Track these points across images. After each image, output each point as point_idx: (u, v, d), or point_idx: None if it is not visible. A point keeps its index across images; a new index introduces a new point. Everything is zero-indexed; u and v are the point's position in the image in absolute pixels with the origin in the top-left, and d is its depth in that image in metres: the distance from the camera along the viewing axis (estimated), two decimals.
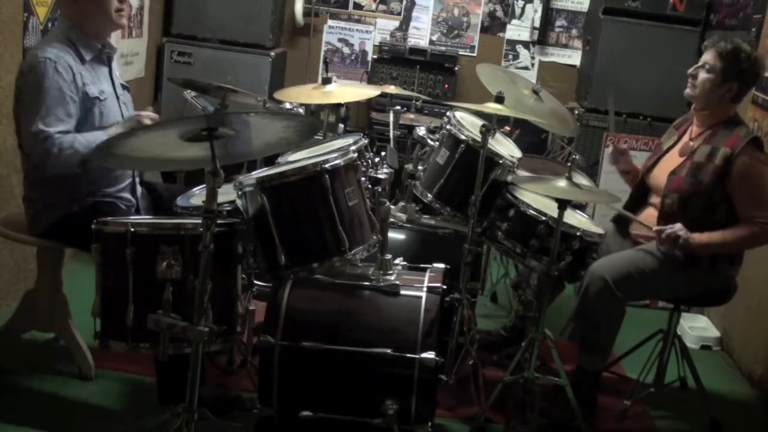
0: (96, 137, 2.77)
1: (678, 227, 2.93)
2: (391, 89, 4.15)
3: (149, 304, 2.31)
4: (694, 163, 3.03)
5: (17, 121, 2.89)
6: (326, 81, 3.35)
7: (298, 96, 3.51)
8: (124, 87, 3.11)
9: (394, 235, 3.15)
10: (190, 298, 2.31)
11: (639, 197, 3.27)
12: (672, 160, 3.16)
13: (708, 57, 3.04)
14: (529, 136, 4.65)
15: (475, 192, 2.99)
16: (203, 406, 2.30)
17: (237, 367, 3.09)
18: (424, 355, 2.51)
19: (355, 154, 2.70)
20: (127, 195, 3.04)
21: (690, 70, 3.10)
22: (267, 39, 5.07)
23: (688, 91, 3.11)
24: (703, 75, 3.05)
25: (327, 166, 2.55)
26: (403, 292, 2.62)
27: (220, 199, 2.30)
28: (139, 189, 3.12)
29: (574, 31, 5.64)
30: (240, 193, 2.60)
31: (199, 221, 2.28)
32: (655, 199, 3.15)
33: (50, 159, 2.72)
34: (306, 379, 2.57)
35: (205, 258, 2.21)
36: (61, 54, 2.79)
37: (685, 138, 3.20)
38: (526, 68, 5.69)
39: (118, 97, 3.02)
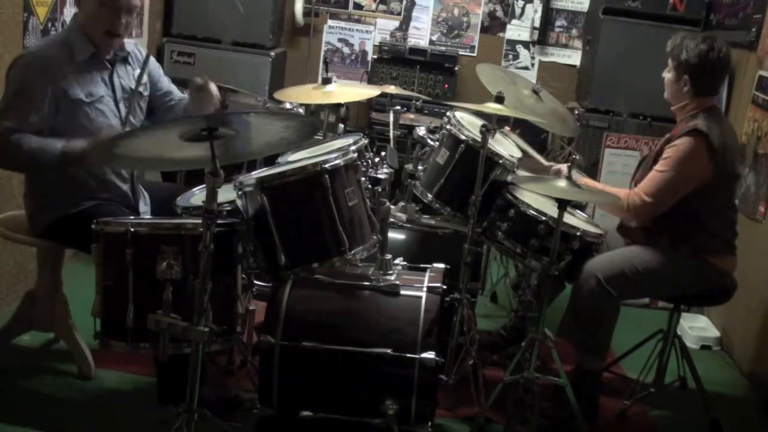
0: (50, 145, 2.73)
1: (563, 166, 3.01)
2: (391, 89, 4.15)
3: (149, 304, 2.31)
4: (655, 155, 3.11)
5: None
6: (326, 81, 3.35)
7: (298, 96, 3.50)
8: (134, 92, 3.03)
9: (394, 235, 3.15)
10: (190, 298, 2.31)
11: None
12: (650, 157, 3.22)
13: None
14: (529, 136, 4.65)
15: (475, 192, 2.99)
16: (203, 406, 2.30)
17: (237, 367, 3.09)
18: (424, 355, 2.51)
19: (355, 154, 2.70)
20: (126, 200, 3.03)
21: (663, 73, 3.18)
22: (267, 39, 5.07)
23: (665, 93, 3.19)
24: (665, 74, 3.15)
25: (327, 166, 2.55)
26: (403, 292, 2.62)
27: (220, 199, 2.30)
28: (142, 192, 3.12)
29: (574, 31, 5.63)
30: (240, 193, 2.60)
31: (199, 221, 2.28)
32: None
33: None
34: (306, 379, 2.57)
35: (205, 258, 2.21)
36: (44, 53, 2.79)
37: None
38: (526, 68, 5.68)
39: (117, 102, 2.97)
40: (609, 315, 3.00)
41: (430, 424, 2.63)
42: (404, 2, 5.67)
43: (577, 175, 2.93)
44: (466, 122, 3.25)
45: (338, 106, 3.77)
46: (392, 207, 3.02)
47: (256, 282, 2.91)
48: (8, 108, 2.73)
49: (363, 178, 2.79)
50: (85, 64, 2.87)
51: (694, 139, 2.96)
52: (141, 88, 3.07)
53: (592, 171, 4.50)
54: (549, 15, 5.62)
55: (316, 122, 3.31)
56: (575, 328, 3.03)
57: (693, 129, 2.97)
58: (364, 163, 2.93)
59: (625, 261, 3.00)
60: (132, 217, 2.79)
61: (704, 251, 3.02)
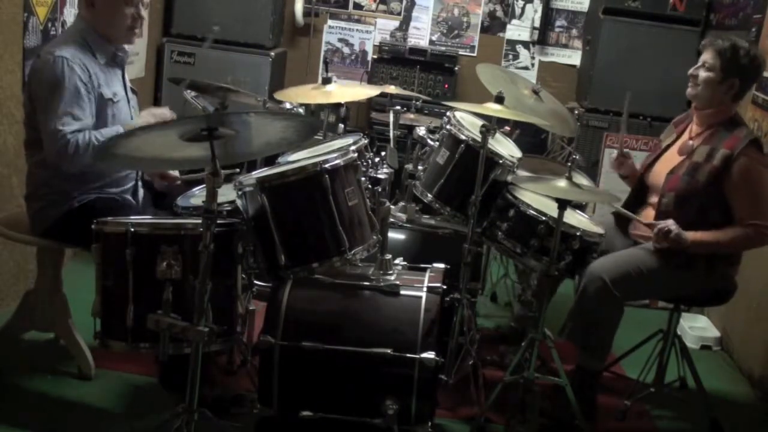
0: (114, 131, 2.81)
1: (670, 222, 2.93)
2: (391, 89, 4.15)
3: (149, 304, 2.32)
4: (692, 162, 3.04)
5: (29, 117, 2.89)
6: (326, 81, 3.35)
7: (297, 96, 3.50)
8: (133, 91, 3.13)
9: (394, 235, 3.15)
10: (190, 298, 2.31)
11: (638, 196, 3.26)
12: (671, 159, 3.16)
13: (707, 56, 3.05)
14: (529, 136, 4.65)
15: (475, 192, 2.99)
16: (204, 406, 2.30)
17: (237, 367, 3.09)
18: (424, 355, 2.51)
19: (355, 154, 2.70)
20: (128, 197, 3.04)
21: (690, 71, 3.11)
22: (267, 39, 5.07)
23: (690, 90, 3.11)
24: (703, 74, 3.05)
25: (327, 166, 2.55)
26: (403, 292, 2.62)
27: (220, 199, 2.30)
28: (141, 192, 3.12)
29: (574, 31, 5.63)
30: (240, 193, 2.60)
31: (199, 221, 2.28)
32: (654, 198, 3.15)
33: (66, 158, 2.73)
34: (306, 379, 2.57)
35: (205, 258, 2.21)
36: (77, 53, 2.82)
37: (685, 136, 3.20)
38: (526, 68, 5.68)
39: (128, 101, 3.05)
40: (613, 316, 2.99)
41: (430, 424, 2.62)
42: (404, 2, 5.67)
43: (580, 179, 2.91)
44: (466, 122, 3.25)
45: (338, 106, 3.77)
46: (392, 207, 3.02)
47: (256, 282, 2.91)
48: (63, 113, 2.74)
49: (363, 178, 2.80)
50: (105, 66, 2.93)
51: (758, 149, 2.98)
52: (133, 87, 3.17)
53: (592, 171, 4.50)
54: (549, 15, 5.62)
55: (316, 122, 3.32)
56: (579, 329, 3.03)
57: (752, 139, 2.98)
58: (364, 163, 2.93)
59: (631, 263, 2.99)
60: (132, 217, 2.80)
61: (720, 260, 3.03)
